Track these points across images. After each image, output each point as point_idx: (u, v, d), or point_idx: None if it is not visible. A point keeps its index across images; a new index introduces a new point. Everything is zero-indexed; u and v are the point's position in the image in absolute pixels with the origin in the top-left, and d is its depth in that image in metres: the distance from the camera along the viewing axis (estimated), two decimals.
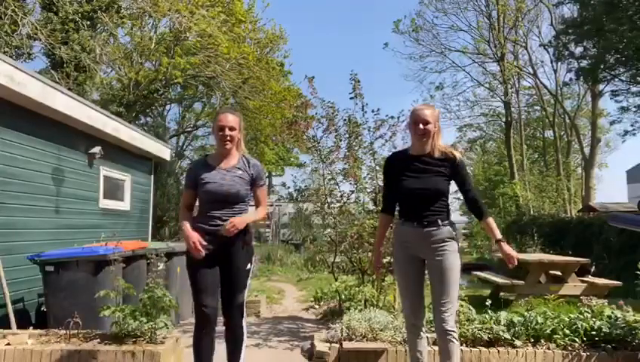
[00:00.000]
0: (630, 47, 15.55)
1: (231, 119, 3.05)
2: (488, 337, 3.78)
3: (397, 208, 3.19)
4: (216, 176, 3.01)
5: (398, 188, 3.05)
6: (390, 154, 3.48)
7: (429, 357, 3.65)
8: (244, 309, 3.12)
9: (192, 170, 3.20)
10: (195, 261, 2.99)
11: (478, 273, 8.66)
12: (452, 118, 28.19)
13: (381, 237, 3.35)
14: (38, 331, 4.04)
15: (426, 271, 3.07)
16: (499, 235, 2.99)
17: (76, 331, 3.87)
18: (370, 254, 5.63)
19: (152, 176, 9.35)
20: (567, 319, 3.94)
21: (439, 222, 2.96)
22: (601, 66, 17.50)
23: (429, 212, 2.96)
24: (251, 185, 3.10)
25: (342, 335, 3.98)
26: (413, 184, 2.98)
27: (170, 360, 3.73)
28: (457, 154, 3.04)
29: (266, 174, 35.43)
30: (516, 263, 2.94)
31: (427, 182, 2.97)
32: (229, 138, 3.02)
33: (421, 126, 2.96)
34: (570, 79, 22.94)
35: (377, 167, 5.60)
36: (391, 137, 5.60)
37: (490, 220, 3.04)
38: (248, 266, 3.09)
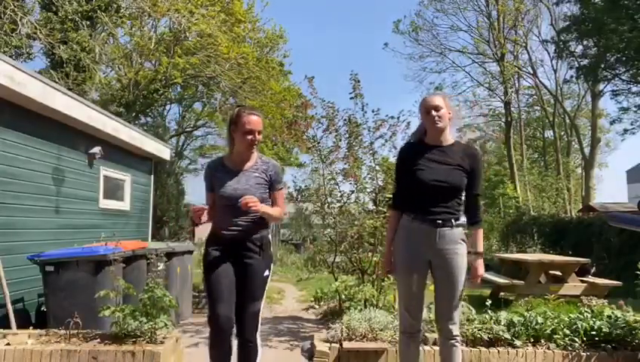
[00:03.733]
0: (631, 47, 15.55)
1: (258, 122, 2.90)
2: (488, 337, 3.78)
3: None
4: (232, 180, 2.90)
5: (411, 180, 2.82)
6: (404, 144, 3.18)
7: (430, 358, 3.66)
8: (259, 322, 2.90)
9: (207, 172, 3.05)
10: (211, 266, 2.88)
11: None
12: (452, 118, 28.10)
13: (392, 237, 2.97)
14: (38, 331, 4.04)
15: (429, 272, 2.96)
16: (481, 249, 2.90)
17: (76, 331, 3.86)
18: (370, 254, 5.64)
19: (152, 176, 9.35)
20: (567, 319, 3.94)
21: (453, 221, 2.78)
22: (602, 66, 17.50)
23: (443, 209, 2.77)
24: (269, 188, 2.97)
25: (342, 335, 3.97)
26: (430, 175, 2.76)
27: (170, 360, 3.73)
28: (478, 149, 2.98)
29: None
30: (479, 282, 2.95)
31: (446, 174, 2.77)
32: (257, 143, 2.91)
33: (434, 112, 2.79)
34: (571, 76, 22.93)
35: (377, 167, 5.61)
36: (391, 137, 5.61)
37: (481, 232, 2.95)
38: (266, 273, 2.93)
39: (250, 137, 2.88)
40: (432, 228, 2.77)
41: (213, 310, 2.84)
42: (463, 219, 2.87)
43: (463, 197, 2.87)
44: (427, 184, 2.77)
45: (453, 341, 2.83)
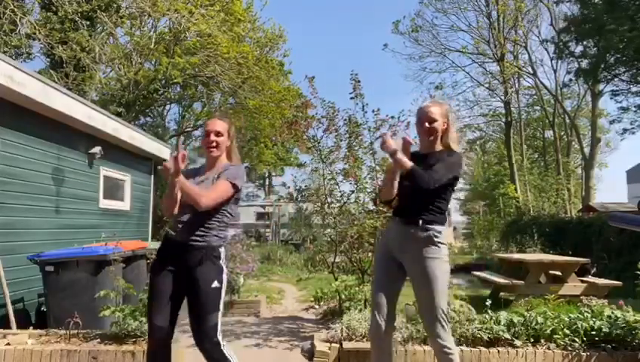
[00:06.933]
0: (631, 47, 15.56)
1: (218, 124, 2.84)
2: (488, 337, 3.78)
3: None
4: (194, 182, 2.76)
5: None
6: None
7: (429, 358, 3.66)
8: (219, 332, 2.66)
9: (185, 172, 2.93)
10: (155, 271, 2.74)
11: (478, 273, 8.65)
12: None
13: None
14: (38, 331, 4.04)
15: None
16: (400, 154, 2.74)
17: (76, 331, 3.87)
18: (370, 254, 5.65)
19: (152, 176, 9.35)
20: (567, 319, 3.94)
21: (420, 222, 2.74)
22: (602, 66, 17.51)
23: (416, 210, 2.76)
24: None
25: (342, 335, 3.98)
26: (405, 178, 2.78)
27: None
28: (457, 153, 2.89)
29: (266, 174, 35.42)
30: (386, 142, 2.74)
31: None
32: (214, 144, 2.80)
33: (427, 124, 2.83)
34: (570, 80, 22.98)
35: (377, 167, 5.60)
36: (391, 137, 5.59)
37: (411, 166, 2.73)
38: (215, 284, 2.68)
39: (205, 138, 2.83)
40: (402, 226, 2.81)
41: (148, 318, 2.73)
42: (440, 227, 2.79)
43: (442, 203, 2.81)
44: (403, 188, 2.81)
45: (445, 352, 2.71)
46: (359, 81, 5.64)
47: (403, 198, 2.84)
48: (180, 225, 2.72)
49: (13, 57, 10.77)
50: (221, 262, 2.76)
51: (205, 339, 2.65)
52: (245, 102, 15.22)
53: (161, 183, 10.71)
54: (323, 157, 5.82)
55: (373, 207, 5.58)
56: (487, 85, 26.24)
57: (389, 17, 53.01)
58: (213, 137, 2.82)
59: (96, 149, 6.69)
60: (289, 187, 6.22)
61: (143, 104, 14.60)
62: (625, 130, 21.07)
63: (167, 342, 2.74)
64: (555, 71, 25.45)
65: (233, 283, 6.44)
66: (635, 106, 19.45)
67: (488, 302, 4.17)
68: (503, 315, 3.97)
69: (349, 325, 4.02)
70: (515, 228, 15.52)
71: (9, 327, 4.42)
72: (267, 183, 37.79)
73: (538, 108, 29.44)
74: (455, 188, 2.93)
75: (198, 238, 2.69)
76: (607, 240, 10.70)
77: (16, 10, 10.20)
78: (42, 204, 5.66)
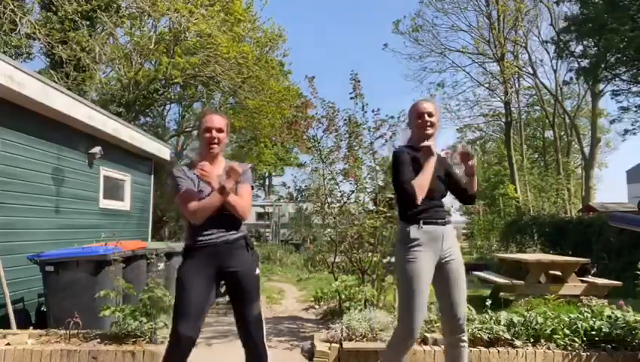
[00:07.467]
0: (631, 47, 15.56)
1: (218, 120, 2.77)
2: (488, 337, 3.78)
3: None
4: (208, 187, 2.66)
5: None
6: (399, 148, 3.02)
7: (430, 358, 3.66)
8: (264, 323, 2.72)
9: (182, 174, 2.76)
10: (187, 273, 2.65)
11: (478, 273, 8.65)
12: (452, 118, 28.16)
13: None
14: (38, 331, 4.04)
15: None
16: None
17: (76, 331, 3.87)
18: (370, 254, 5.65)
19: (152, 176, 9.35)
20: (567, 319, 3.94)
21: (450, 218, 2.94)
22: (602, 66, 17.51)
23: (444, 210, 2.89)
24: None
25: (342, 335, 3.98)
26: (434, 182, 2.79)
27: None
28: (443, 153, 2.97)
29: (266, 174, 35.43)
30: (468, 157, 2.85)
31: (442, 180, 2.90)
32: (216, 141, 2.74)
33: (427, 117, 2.83)
34: (571, 78, 23.00)
35: (377, 167, 5.61)
36: (391, 137, 5.60)
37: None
38: (257, 271, 2.77)
39: (207, 135, 2.74)
40: (442, 227, 2.81)
41: (176, 325, 2.59)
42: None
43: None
44: (434, 191, 2.81)
45: (464, 342, 2.79)
46: (359, 81, 5.65)
47: (437, 201, 2.86)
48: (212, 230, 2.67)
49: (13, 57, 10.78)
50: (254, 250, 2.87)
51: (254, 328, 2.67)
52: (245, 102, 15.21)
53: (161, 183, 10.72)
54: (323, 157, 5.82)
55: (373, 207, 5.59)
56: (487, 85, 26.22)
57: (390, 17, 53.02)
58: (215, 134, 2.75)
59: (96, 149, 6.69)
60: (289, 187, 6.21)
61: (143, 104, 14.61)
62: (626, 131, 21.12)
63: (191, 349, 2.62)
64: (555, 71, 25.49)
65: None
66: (635, 106, 19.46)
67: (488, 302, 4.17)
68: (503, 315, 3.97)
69: (349, 325, 4.02)
70: (515, 228, 15.50)
71: (9, 327, 4.42)
72: (267, 183, 37.81)
73: (538, 108, 29.41)
74: None
75: (235, 232, 2.74)
76: (607, 240, 10.69)
77: (16, 10, 10.19)
78: (42, 203, 5.67)
